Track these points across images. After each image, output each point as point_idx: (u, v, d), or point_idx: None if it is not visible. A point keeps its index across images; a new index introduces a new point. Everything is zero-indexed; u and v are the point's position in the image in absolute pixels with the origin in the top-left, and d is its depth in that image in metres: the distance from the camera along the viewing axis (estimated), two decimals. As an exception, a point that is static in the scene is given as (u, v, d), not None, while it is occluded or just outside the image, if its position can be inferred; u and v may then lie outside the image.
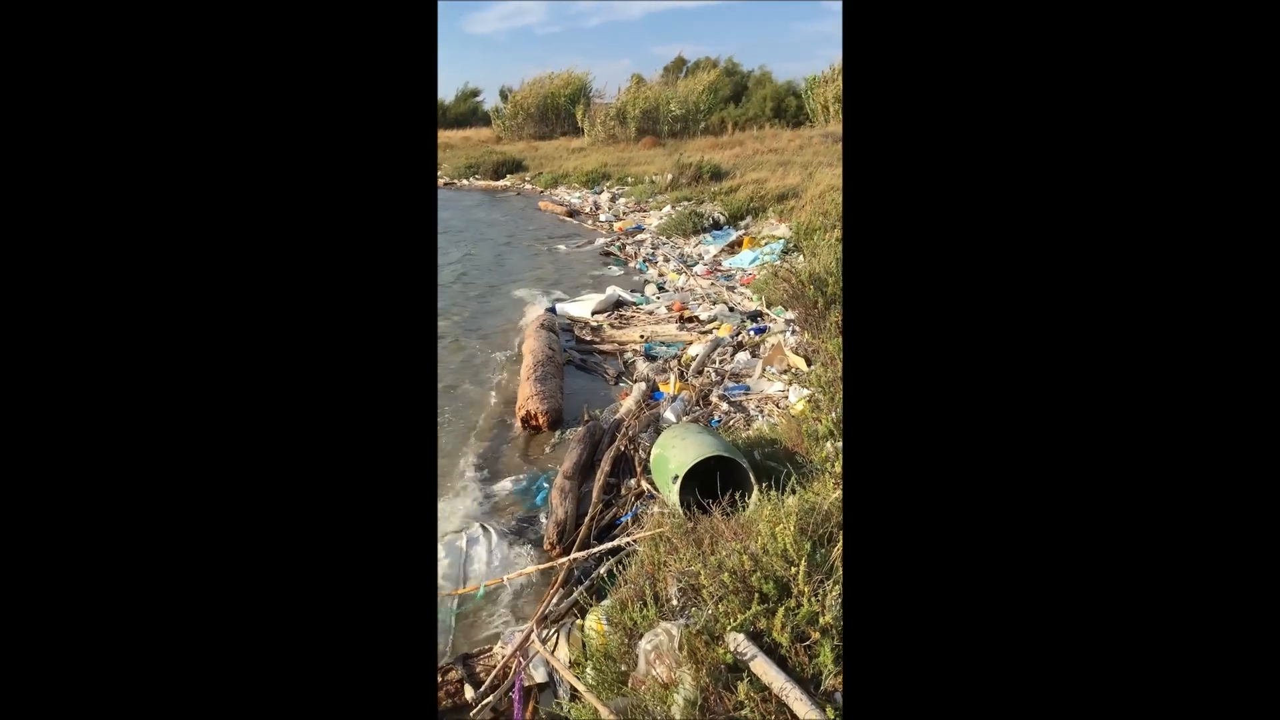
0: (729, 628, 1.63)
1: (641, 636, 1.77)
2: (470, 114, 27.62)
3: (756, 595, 1.67)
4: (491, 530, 2.63)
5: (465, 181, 17.02)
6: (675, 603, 1.85)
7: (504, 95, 24.48)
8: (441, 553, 2.58)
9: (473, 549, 2.56)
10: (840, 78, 17.13)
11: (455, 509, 2.94)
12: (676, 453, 2.58)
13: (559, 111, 22.35)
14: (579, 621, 2.02)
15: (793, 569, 1.68)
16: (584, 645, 1.91)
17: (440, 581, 2.43)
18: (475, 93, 28.90)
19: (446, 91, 28.82)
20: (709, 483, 2.52)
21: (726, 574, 1.72)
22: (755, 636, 1.61)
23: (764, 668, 1.51)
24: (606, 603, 1.99)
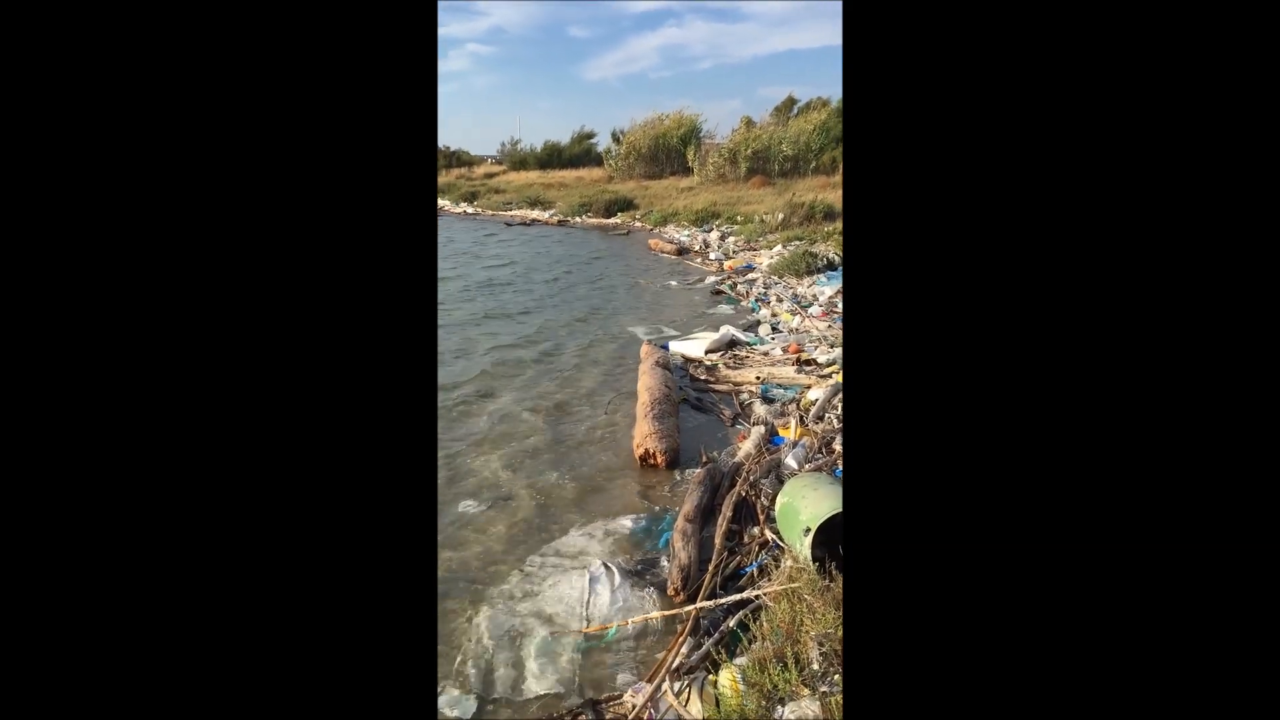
0: (882, 703, 1.52)
1: (781, 701, 1.68)
2: (584, 155, 28.75)
3: (912, 670, 1.55)
4: (614, 569, 2.62)
5: (578, 219, 17.64)
6: (816, 667, 1.75)
7: (615, 137, 25.34)
8: (567, 585, 2.59)
9: (595, 587, 2.55)
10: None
11: (577, 544, 2.96)
12: (808, 504, 2.48)
13: (669, 151, 22.84)
14: (711, 676, 1.95)
15: (955, 645, 1.55)
16: (717, 702, 1.84)
17: (566, 616, 2.43)
18: (590, 135, 30.10)
19: (563, 134, 30.13)
20: (838, 537, 2.40)
21: (878, 643, 1.61)
22: (912, 716, 1.49)
23: (925, 753, 1.39)
24: (741, 660, 1.91)
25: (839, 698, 1.58)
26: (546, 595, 2.57)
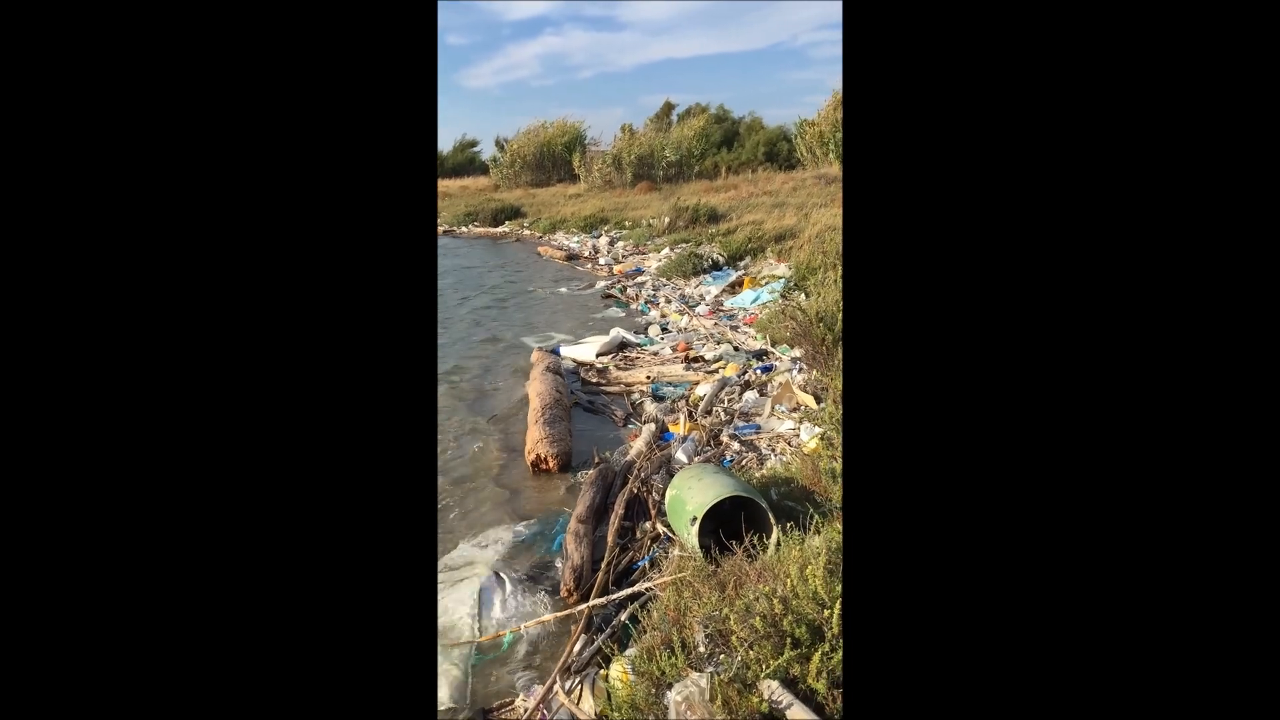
0: (762, 675, 1.58)
1: (669, 686, 1.71)
2: (468, 164, 28.16)
3: (789, 640, 1.63)
4: (505, 577, 2.57)
5: (465, 229, 17.23)
6: (703, 649, 1.79)
7: (500, 145, 24.99)
8: (456, 599, 2.51)
9: (487, 596, 2.49)
10: (825, 120, 17.54)
11: (467, 555, 2.89)
12: (693, 494, 2.54)
13: (555, 159, 22.80)
14: (603, 671, 1.96)
15: (825, 611, 1.64)
16: (609, 696, 1.85)
17: (456, 629, 2.36)
18: (472, 143, 29.55)
19: (444, 143, 29.46)
20: (726, 524, 2.48)
21: (757, 619, 1.68)
22: (790, 683, 1.56)
23: (802, 715, 1.46)
24: (631, 651, 1.93)
25: (724, 676, 1.63)
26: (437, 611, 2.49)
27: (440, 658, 2.24)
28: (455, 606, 2.47)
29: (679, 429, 3.89)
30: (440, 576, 2.73)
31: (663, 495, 3.00)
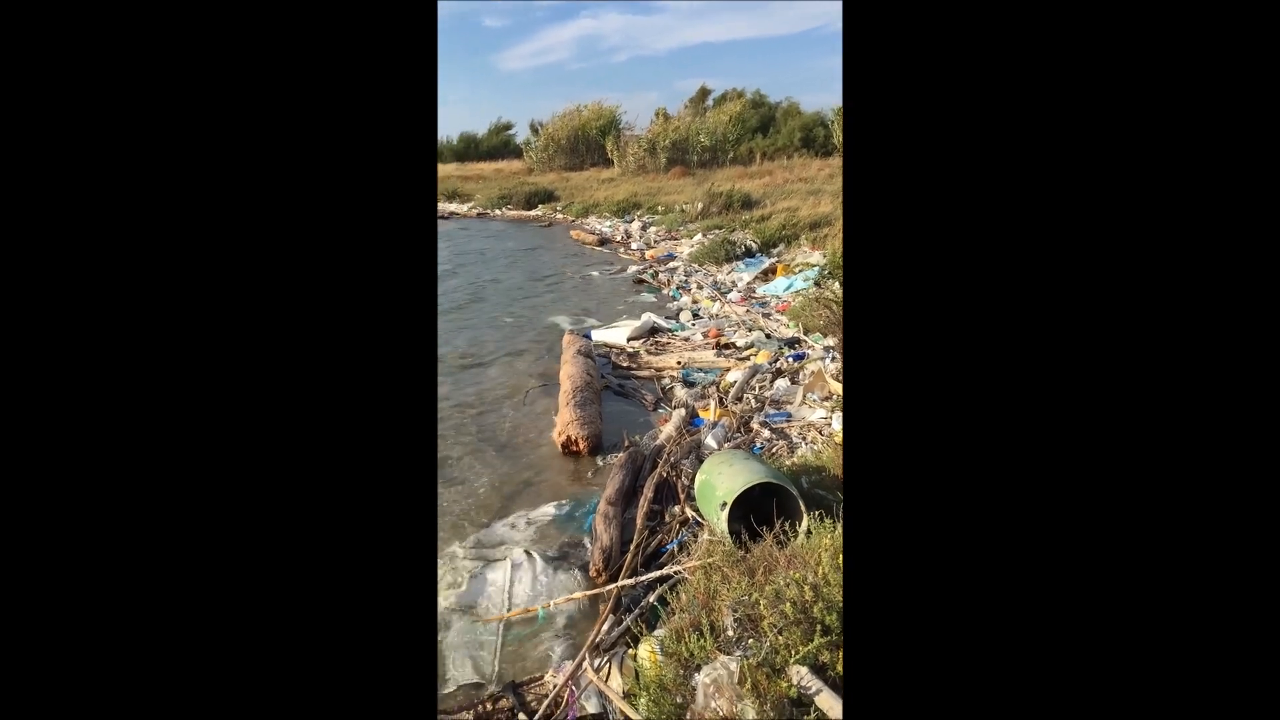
0: (791, 661, 1.58)
1: (697, 668, 1.73)
2: (502, 146, 28.23)
3: (819, 627, 1.62)
4: (535, 556, 2.61)
5: (498, 212, 17.33)
6: (731, 633, 1.80)
7: (534, 129, 25.00)
8: (486, 576, 2.56)
9: (517, 575, 2.53)
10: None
11: (497, 534, 2.93)
12: (724, 479, 2.54)
13: (589, 143, 22.72)
14: (631, 651, 1.98)
15: (857, 600, 1.63)
16: (637, 675, 1.87)
17: (486, 606, 2.41)
18: (507, 126, 29.57)
19: (479, 125, 29.58)
20: (754, 510, 2.48)
21: (787, 604, 1.68)
22: (819, 670, 1.56)
23: (830, 702, 1.46)
24: (660, 632, 1.95)
25: (753, 660, 1.63)
26: (468, 588, 2.53)
27: (470, 634, 2.28)
28: (486, 584, 2.52)
29: (709, 415, 3.88)
30: (472, 555, 2.78)
31: (692, 480, 3.01)
